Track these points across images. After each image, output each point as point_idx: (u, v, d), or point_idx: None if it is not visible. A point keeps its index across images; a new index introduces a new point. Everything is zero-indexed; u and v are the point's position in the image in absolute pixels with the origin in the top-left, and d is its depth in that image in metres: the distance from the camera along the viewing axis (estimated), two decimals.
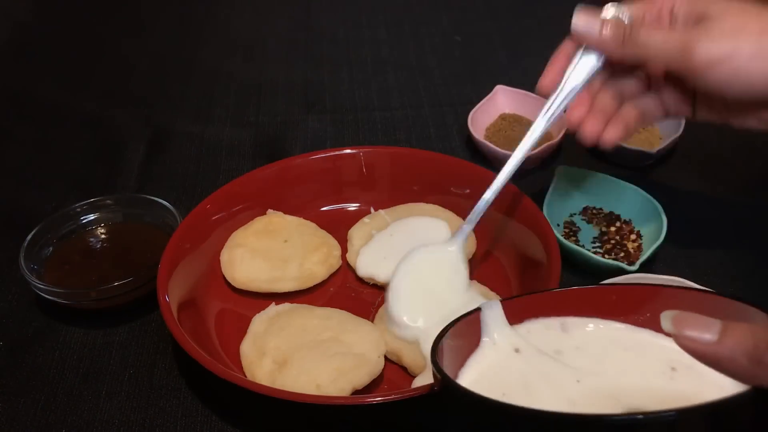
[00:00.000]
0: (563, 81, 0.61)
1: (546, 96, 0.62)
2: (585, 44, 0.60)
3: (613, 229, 0.72)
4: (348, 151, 0.76)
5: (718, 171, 0.81)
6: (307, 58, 1.05)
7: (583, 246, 0.70)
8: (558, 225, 0.73)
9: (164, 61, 1.07)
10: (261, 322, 0.63)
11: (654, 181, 0.78)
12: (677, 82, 0.61)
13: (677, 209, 0.71)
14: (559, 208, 0.73)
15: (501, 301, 0.48)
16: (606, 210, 0.75)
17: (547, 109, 0.62)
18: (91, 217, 0.73)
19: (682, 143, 0.81)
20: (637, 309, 0.46)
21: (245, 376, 0.59)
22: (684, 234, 0.71)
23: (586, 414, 0.34)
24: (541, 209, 0.68)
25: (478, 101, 0.86)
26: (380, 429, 0.58)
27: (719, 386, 0.39)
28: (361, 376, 0.57)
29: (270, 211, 0.73)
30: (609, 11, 0.59)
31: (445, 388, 0.40)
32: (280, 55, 1.06)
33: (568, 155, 0.83)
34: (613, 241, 0.71)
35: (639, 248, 0.70)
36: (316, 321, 0.62)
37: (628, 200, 0.73)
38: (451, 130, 0.89)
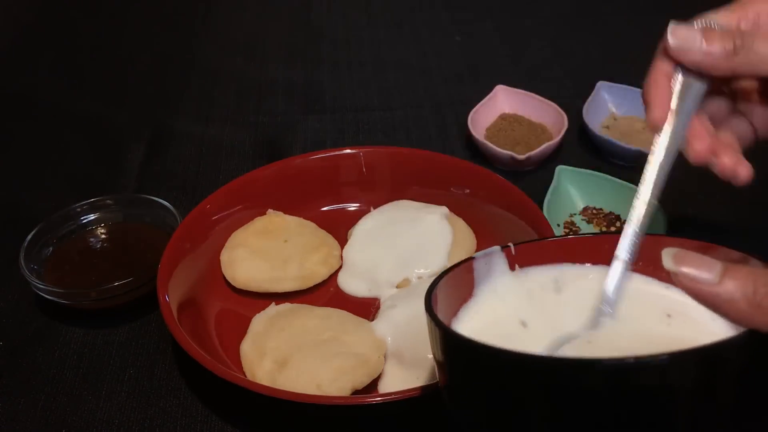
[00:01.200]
0: (672, 110, 0.50)
1: (658, 130, 0.50)
2: (685, 62, 0.49)
3: (613, 229, 0.72)
4: (348, 151, 0.76)
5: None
6: (307, 58, 1.05)
7: None
8: (558, 225, 0.73)
9: (164, 61, 1.07)
10: (261, 322, 0.63)
11: None
12: None
13: (677, 209, 0.71)
14: (559, 208, 0.73)
15: (501, 249, 0.48)
16: (606, 210, 0.75)
17: (663, 145, 0.50)
18: (91, 217, 0.73)
19: (682, 143, 0.80)
20: (635, 257, 0.45)
21: (245, 376, 0.59)
22: (684, 234, 0.70)
23: (579, 358, 0.34)
24: (541, 209, 0.68)
25: (478, 101, 0.86)
26: (380, 429, 0.58)
27: (713, 333, 0.39)
28: (361, 377, 0.57)
29: (270, 211, 0.73)
30: (699, 23, 0.50)
31: (444, 337, 0.39)
32: (280, 55, 1.06)
33: (568, 155, 0.83)
34: None
35: None
36: (316, 321, 0.62)
37: (628, 200, 0.73)
38: (451, 130, 0.89)
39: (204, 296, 0.67)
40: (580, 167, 0.77)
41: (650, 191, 0.48)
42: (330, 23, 1.12)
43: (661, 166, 0.48)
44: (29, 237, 0.69)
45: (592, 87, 0.86)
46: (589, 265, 0.48)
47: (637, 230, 0.45)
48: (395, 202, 0.74)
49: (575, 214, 0.75)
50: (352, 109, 0.94)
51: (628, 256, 0.44)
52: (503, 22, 1.10)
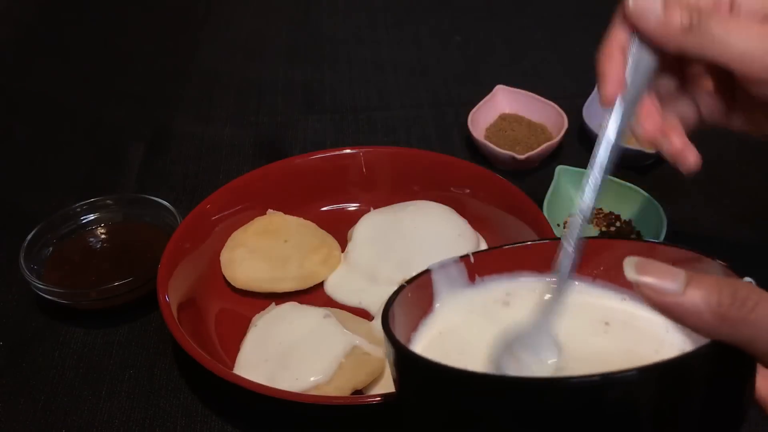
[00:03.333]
0: (626, 85, 0.47)
1: (611, 105, 0.46)
2: (641, 30, 0.46)
3: (613, 229, 0.72)
4: (348, 151, 0.76)
5: (718, 171, 0.81)
6: (307, 58, 1.05)
7: None
8: (558, 225, 0.73)
9: (164, 60, 1.07)
10: (261, 321, 0.63)
11: (654, 181, 0.78)
12: (721, 84, 0.51)
13: (677, 209, 0.71)
14: (559, 208, 0.73)
15: (459, 259, 0.46)
16: (606, 210, 0.75)
17: (614, 122, 0.46)
18: (91, 217, 0.73)
19: None
20: (592, 261, 0.45)
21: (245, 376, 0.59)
22: (684, 234, 0.71)
23: (545, 378, 0.34)
24: (541, 209, 0.68)
25: (478, 101, 0.86)
26: (380, 429, 0.58)
27: (657, 339, 0.39)
28: (361, 376, 0.57)
29: (270, 211, 0.73)
30: None
31: (396, 353, 0.38)
32: (280, 55, 1.06)
33: (568, 155, 0.83)
34: None
35: None
36: (316, 321, 0.62)
37: (628, 200, 0.73)
38: (451, 130, 0.89)
39: (204, 296, 0.67)
40: (580, 167, 0.77)
41: (601, 174, 0.43)
42: (330, 23, 1.12)
43: (613, 146, 0.44)
44: (29, 237, 0.69)
45: (592, 87, 0.86)
46: (547, 273, 0.46)
47: (587, 215, 0.43)
48: (405, 204, 0.73)
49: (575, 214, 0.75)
50: (352, 109, 0.94)
51: (572, 250, 0.42)
52: (503, 22, 1.10)
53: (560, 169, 0.76)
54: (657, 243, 0.42)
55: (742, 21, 0.46)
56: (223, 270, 0.69)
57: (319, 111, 0.94)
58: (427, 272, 0.46)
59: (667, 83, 0.52)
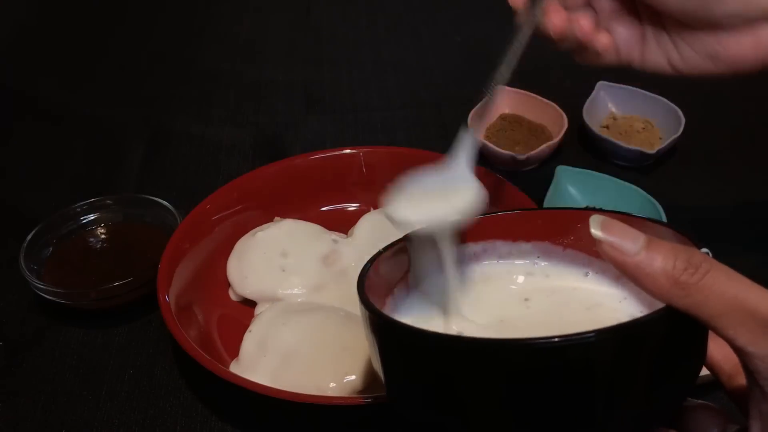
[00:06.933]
0: None
1: (518, 9, 0.55)
2: None
3: None
4: (348, 151, 0.76)
5: (718, 171, 0.81)
6: (307, 58, 1.05)
7: None
8: None
9: (164, 61, 1.07)
10: (262, 321, 0.63)
11: (654, 181, 0.78)
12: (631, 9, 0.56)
13: (677, 209, 0.71)
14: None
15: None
16: (606, 210, 0.74)
17: (522, 29, 0.55)
18: (91, 217, 0.73)
19: (682, 143, 0.81)
20: (564, 232, 0.47)
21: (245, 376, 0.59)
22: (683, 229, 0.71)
23: (507, 339, 0.34)
24: (541, 209, 0.68)
25: (478, 101, 0.86)
26: (380, 429, 0.58)
27: (612, 308, 0.42)
28: (362, 377, 0.57)
29: (276, 218, 0.73)
30: None
31: (372, 320, 0.40)
32: (280, 55, 1.06)
33: (568, 155, 0.83)
34: None
35: None
36: (317, 320, 0.62)
37: (628, 200, 0.73)
38: (451, 130, 0.89)
39: (204, 296, 0.67)
40: (580, 167, 0.77)
41: (507, 74, 0.53)
42: (330, 23, 1.12)
43: (517, 50, 0.53)
44: (29, 237, 0.69)
45: (592, 87, 0.86)
46: (522, 242, 0.48)
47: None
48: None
49: None
50: (352, 109, 0.94)
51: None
52: (503, 22, 1.10)
53: (560, 169, 0.76)
54: (629, 214, 0.44)
55: None
56: (229, 278, 0.68)
57: (319, 111, 0.94)
58: (402, 240, 0.48)
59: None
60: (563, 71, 0.97)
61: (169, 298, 0.61)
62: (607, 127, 0.85)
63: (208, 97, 0.98)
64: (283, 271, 0.67)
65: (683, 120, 0.80)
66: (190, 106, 0.96)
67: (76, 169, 0.86)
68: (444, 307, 0.46)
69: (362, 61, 1.03)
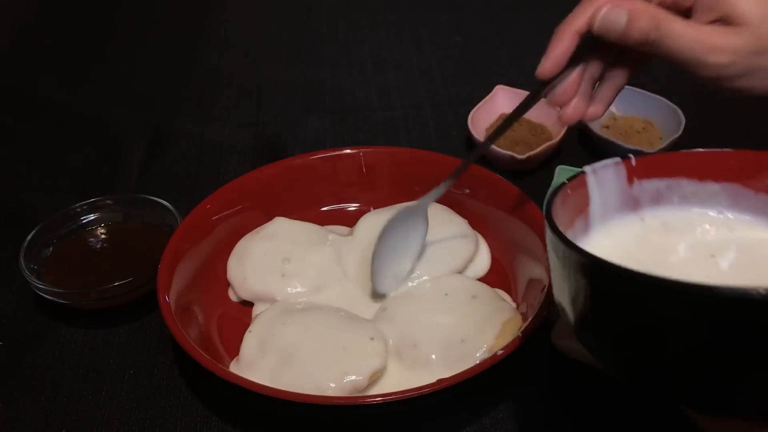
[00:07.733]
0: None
1: (544, 79, 0.56)
2: (608, 38, 0.53)
3: None
4: (348, 151, 0.76)
5: None
6: (307, 58, 1.05)
7: None
8: None
9: (164, 61, 1.07)
10: (262, 320, 0.63)
11: None
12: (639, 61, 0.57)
13: None
14: None
15: (616, 162, 0.48)
16: None
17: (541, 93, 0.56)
18: (91, 217, 0.73)
19: (682, 143, 0.81)
20: (754, 174, 0.45)
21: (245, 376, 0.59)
22: None
23: (728, 286, 0.32)
24: (541, 209, 0.68)
25: (478, 101, 0.86)
26: (380, 429, 0.58)
27: None
28: (361, 377, 0.57)
29: (277, 218, 0.73)
30: None
31: (575, 259, 0.38)
32: (280, 55, 1.06)
33: (568, 155, 0.83)
34: None
35: None
36: (317, 320, 0.62)
37: None
38: (451, 130, 0.89)
39: (204, 296, 0.67)
40: (580, 167, 0.76)
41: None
42: (330, 23, 1.13)
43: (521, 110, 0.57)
44: (29, 237, 0.69)
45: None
46: (710, 182, 0.47)
47: None
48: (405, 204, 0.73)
49: None
50: (352, 109, 0.94)
51: None
52: (503, 22, 1.10)
53: (560, 169, 0.76)
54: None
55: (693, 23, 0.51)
56: (229, 278, 0.68)
57: (319, 111, 0.94)
58: (582, 173, 0.47)
59: (596, 64, 0.58)
60: None
61: (169, 298, 0.61)
62: (607, 127, 0.85)
63: (208, 97, 0.98)
64: (283, 272, 0.67)
65: (683, 120, 0.80)
66: (190, 106, 0.97)
67: (76, 169, 0.86)
68: (627, 251, 0.44)
69: (362, 61, 1.03)
